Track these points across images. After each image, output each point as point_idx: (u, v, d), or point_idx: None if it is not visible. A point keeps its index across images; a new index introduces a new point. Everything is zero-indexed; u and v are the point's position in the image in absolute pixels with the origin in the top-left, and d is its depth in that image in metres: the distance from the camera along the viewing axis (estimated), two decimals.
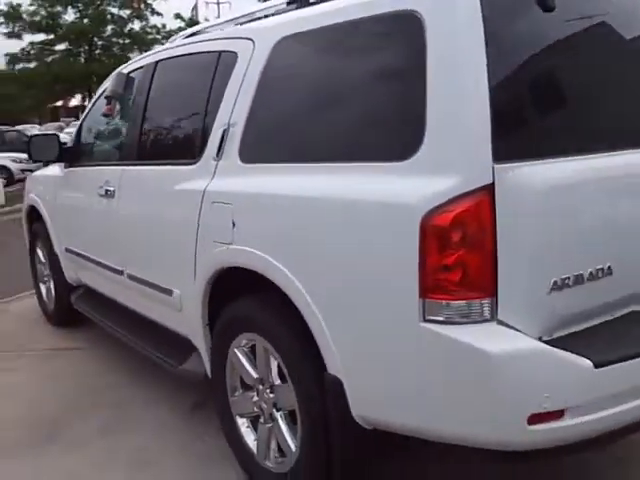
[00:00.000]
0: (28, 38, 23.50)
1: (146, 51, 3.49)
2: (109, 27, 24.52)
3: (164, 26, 33.25)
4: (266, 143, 2.65)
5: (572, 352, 1.91)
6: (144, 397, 3.75)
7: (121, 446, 3.22)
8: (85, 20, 23.68)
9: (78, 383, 4.03)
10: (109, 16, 24.37)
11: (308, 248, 2.31)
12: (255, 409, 2.74)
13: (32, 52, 23.68)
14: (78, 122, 4.79)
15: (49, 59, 23.99)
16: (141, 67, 3.76)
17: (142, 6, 24.56)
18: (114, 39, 23.62)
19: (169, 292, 3.21)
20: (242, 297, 2.69)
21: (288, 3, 2.91)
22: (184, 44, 3.51)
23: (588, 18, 2.20)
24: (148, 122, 3.57)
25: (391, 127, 2.13)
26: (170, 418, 3.47)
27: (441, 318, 1.92)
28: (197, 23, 34.81)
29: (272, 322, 2.51)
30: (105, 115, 4.01)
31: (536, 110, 2.06)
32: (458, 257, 1.88)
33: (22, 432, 3.42)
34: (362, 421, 2.22)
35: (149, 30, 30.38)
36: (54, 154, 4.40)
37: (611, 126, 2.23)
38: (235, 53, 2.88)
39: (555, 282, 1.97)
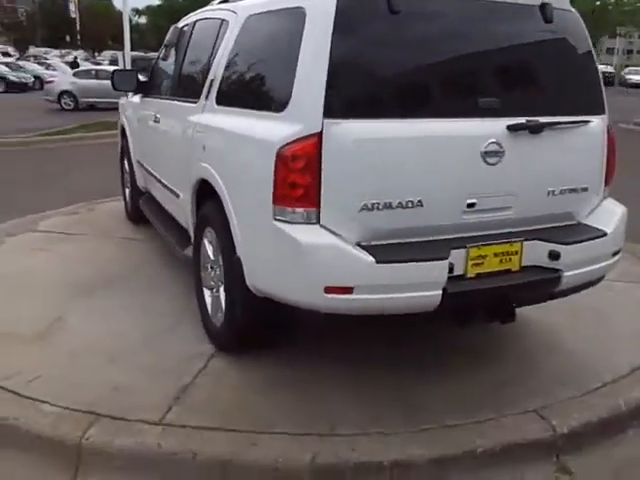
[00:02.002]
0: None
1: None
2: None
3: None
4: (227, 92, 3.68)
5: (365, 251, 2.83)
6: (168, 274, 5.03)
7: (146, 299, 4.56)
8: None
9: (129, 260, 5.46)
10: None
11: (228, 164, 3.38)
12: (212, 283, 3.85)
13: None
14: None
15: None
16: (187, 24, 4.86)
17: None
18: None
19: (177, 195, 4.39)
20: (208, 201, 3.77)
21: None
22: (212, 9, 4.55)
23: (422, 19, 2.99)
24: (182, 67, 4.69)
25: (276, 89, 3.11)
26: (180, 290, 4.69)
27: (284, 218, 2.91)
28: None
29: (217, 219, 3.57)
30: (163, 59, 5.18)
31: (358, 85, 2.90)
32: (294, 178, 2.84)
33: (92, 281, 4.88)
34: (253, 289, 3.26)
35: None
36: (132, 86, 5.64)
37: (418, 100, 3.04)
38: (227, 21, 3.89)
39: (365, 204, 2.86)
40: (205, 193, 3.78)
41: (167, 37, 5.10)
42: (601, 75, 3.47)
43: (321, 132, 2.80)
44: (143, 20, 31.82)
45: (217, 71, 3.78)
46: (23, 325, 4.12)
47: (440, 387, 3.46)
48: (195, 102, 4.06)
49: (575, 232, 3.33)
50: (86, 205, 7.44)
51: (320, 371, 3.60)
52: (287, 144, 2.85)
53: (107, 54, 40.74)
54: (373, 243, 2.93)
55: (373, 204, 2.88)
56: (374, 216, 2.90)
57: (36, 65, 35.91)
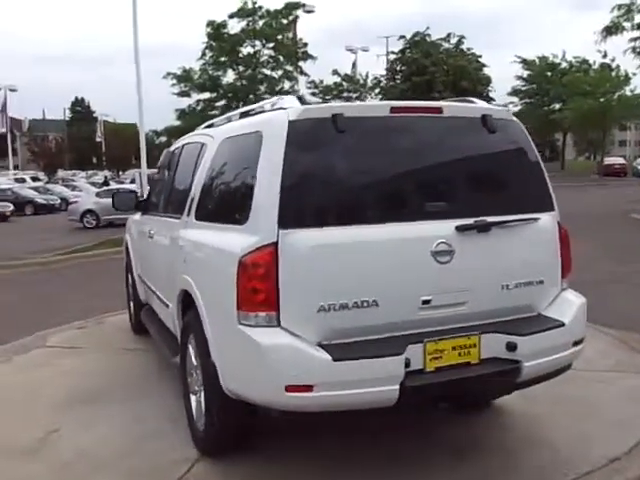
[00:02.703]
0: (195, 97, 27.51)
1: None
2: (262, 86, 27.69)
3: (322, 81, 36.49)
4: (203, 208, 4.00)
5: (324, 350, 3.00)
6: (165, 382, 5.18)
7: (141, 407, 4.73)
8: (243, 81, 27.11)
9: (129, 370, 5.67)
10: (262, 77, 27.63)
11: (202, 274, 3.64)
12: (196, 388, 4.01)
13: (197, 108, 27.36)
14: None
15: (210, 114, 27.61)
16: (178, 147, 5.30)
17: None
18: (266, 97, 26.70)
19: (167, 305, 4.63)
20: (191, 309, 4.00)
21: (240, 114, 4.26)
22: (196, 134, 4.98)
23: (368, 135, 3.30)
24: (172, 186, 5.07)
25: (240, 204, 3.39)
26: (175, 397, 4.81)
27: (247, 322, 3.12)
28: (352, 78, 37.71)
29: (196, 326, 3.78)
30: (158, 179, 5.60)
31: (309, 198, 3.17)
32: (254, 284, 3.08)
33: (90, 392, 5.07)
34: (227, 391, 3.41)
35: (308, 85, 33.82)
36: (131, 206, 6.04)
37: (367, 208, 3.30)
38: (206, 145, 4.27)
39: (322, 306, 3.07)
40: (188, 303, 4.01)
41: (160, 159, 5.53)
42: (547, 176, 3.72)
43: (276, 242, 3.06)
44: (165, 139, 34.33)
45: (196, 189, 4.13)
46: (20, 438, 4.28)
47: None
48: (179, 218, 4.39)
49: (533, 323, 3.47)
50: (94, 319, 7.72)
51: (295, 469, 3.69)
52: (247, 253, 3.11)
53: (130, 173, 42.61)
54: (333, 342, 3.10)
55: (330, 305, 3.08)
56: (331, 316, 3.09)
57: (63, 187, 37.59)
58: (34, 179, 43.87)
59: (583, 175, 45.68)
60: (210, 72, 26.99)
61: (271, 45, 27.76)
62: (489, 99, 42.23)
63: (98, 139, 59.19)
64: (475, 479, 3.51)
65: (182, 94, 26.98)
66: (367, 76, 39.18)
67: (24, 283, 11.75)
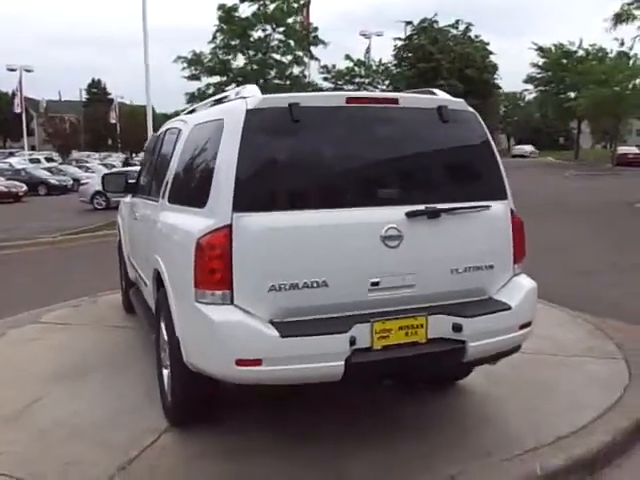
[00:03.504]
0: (205, 80, 27.66)
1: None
2: (272, 71, 27.80)
3: (334, 66, 36.47)
4: (174, 191, 4.19)
5: (273, 327, 3.19)
6: (148, 357, 5.37)
7: (121, 381, 4.97)
8: (253, 65, 27.24)
9: (115, 346, 5.91)
10: (272, 61, 27.74)
11: (167, 254, 3.85)
12: (167, 362, 4.22)
13: (207, 92, 27.50)
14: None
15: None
16: (162, 132, 5.48)
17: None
18: (276, 81, 26.78)
19: (146, 284, 4.84)
20: (162, 288, 4.20)
21: (214, 101, 4.43)
22: (176, 119, 5.16)
23: (323, 125, 3.46)
24: (154, 170, 5.27)
25: (202, 187, 3.57)
26: (149, 373, 5.03)
27: (204, 300, 3.31)
28: (364, 64, 37.63)
29: (165, 304, 3.99)
30: (144, 162, 5.79)
31: (263, 183, 3.35)
32: (210, 265, 3.26)
33: (75, 366, 5.32)
34: (190, 365, 3.61)
35: (320, 70, 33.87)
36: (121, 188, 6.24)
37: (320, 193, 3.47)
38: (182, 130, 4.45)
39: (273, 285, 3.25)
40: (161, 282, 4.22)
41: (146, 143, 5.72)
42: (502, 166, 3.85)
43: (231, 224, 3.24)
44: None
45: (170, 173, 4.32)
46: (4, 406, 4.52)
47: (369, 455, 3.69)
48: (157, 201, 4.58)
49: (480, 306, 3.63)
50: (89, 298, 7.97)
51: (255, 439, 3.90)
52: (204, 235, 3.30)
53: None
54: (285, 320, 3.29)
55: (280, 285, 3.27)
56: (282, 295, 3.27)
57: (76, 169, 38.01)
58: (48, 160, 44.37)
59: (596, 165, 45.26)
60: (220, 56, 27.19)
61: (281, 29, 27.88)
62: (495, 87, 42.00)
63: (113, 121, 59.65)
64: (419, 454, 3.68)
65: (192, 78, 27.22)
66: (380, 62, 39.17)
67: (32, 262, 12.09)
